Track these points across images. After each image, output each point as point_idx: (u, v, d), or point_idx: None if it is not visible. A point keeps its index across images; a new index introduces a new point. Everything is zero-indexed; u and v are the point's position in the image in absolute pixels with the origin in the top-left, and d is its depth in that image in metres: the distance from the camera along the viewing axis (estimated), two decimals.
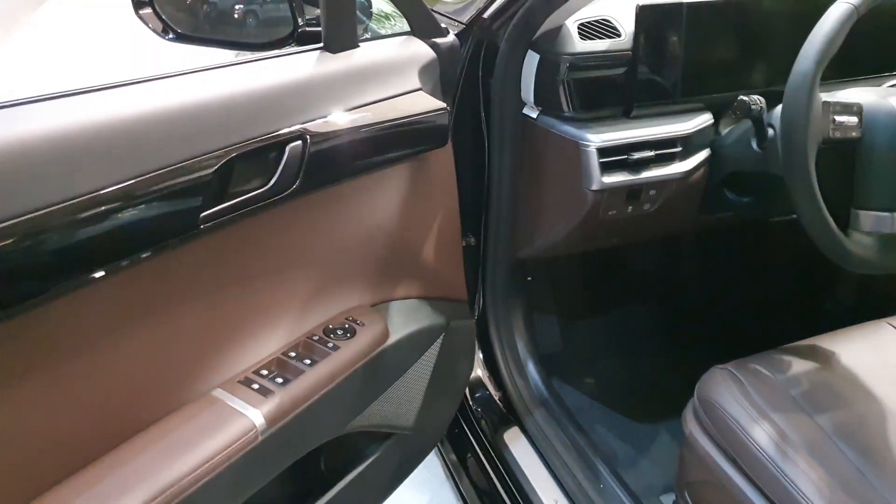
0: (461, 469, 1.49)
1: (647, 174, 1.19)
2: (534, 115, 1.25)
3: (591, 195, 1.19)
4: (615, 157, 1.17)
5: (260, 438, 0.81)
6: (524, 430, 1.41)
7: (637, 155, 1.17)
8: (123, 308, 0.76)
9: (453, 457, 1.50)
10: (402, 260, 1.12)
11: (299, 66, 0.90)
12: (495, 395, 1.49)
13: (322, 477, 1.05)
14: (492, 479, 1.40)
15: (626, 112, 1.21)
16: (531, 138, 1.28)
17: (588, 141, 1.17)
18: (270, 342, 0.93)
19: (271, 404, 0.83)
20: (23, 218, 0.62)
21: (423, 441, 1.23)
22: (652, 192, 1.21)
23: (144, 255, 0.73)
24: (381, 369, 1.02)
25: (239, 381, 0.86)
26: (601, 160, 1.17)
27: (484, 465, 1.43)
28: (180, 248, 0.77)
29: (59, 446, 0.73)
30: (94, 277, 0.69)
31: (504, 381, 1.45)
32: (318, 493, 1.02)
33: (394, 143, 0.99)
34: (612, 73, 1.19)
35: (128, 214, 0.70)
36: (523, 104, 1.27)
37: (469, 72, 1.26)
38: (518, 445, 1.39)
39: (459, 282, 1.27)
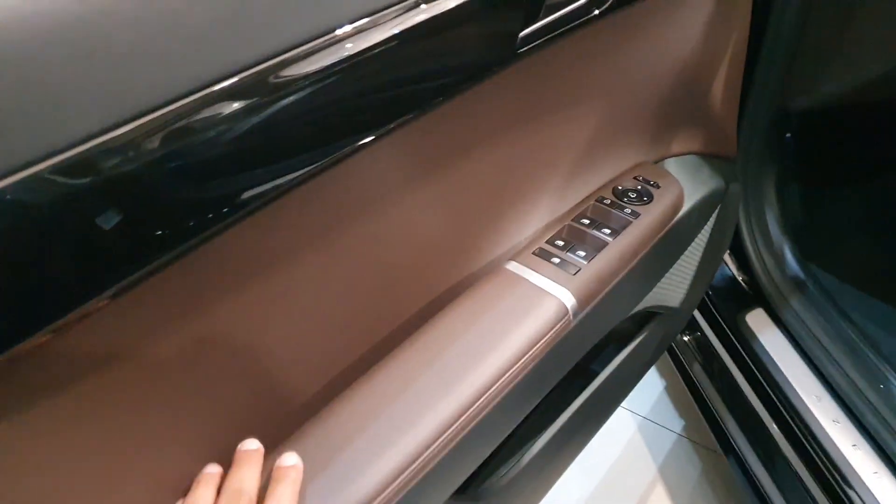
0: (691, 354, 1.32)
1: None
2: None
3: None
4: None
5: (572, 323, 0.65)
6: (774, 316, 1.21)
7: None
8: (415, 158, 0.59)
9: (683, 338, 1.33)
10: (684, 105, 0.89)
11: None
12: (737, 274, 1.28)
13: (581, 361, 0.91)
14: (731, 368, 1.22)
15: None
16: None
17: None
18: (551, 200, 0.75)
19: (581, 282, 0.66)
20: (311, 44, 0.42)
21: (681, 318, 1.06)
22: None
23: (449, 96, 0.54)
24: (675, 240, 0.83)
25: (534, 254, 0.69)
26: None
27: (719, 352, 1.26)
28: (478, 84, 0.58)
29: (353, 315, 0.60)
30: (392, 127, 0.51)
31: (750, 257, 1.23)
32: (582, 378, 0.88)
33: None
34: None
35: (440, 38, 0.49)
36: None
37: None
38: (767, 333, 1.19)
39: (733, 136, 1.02)
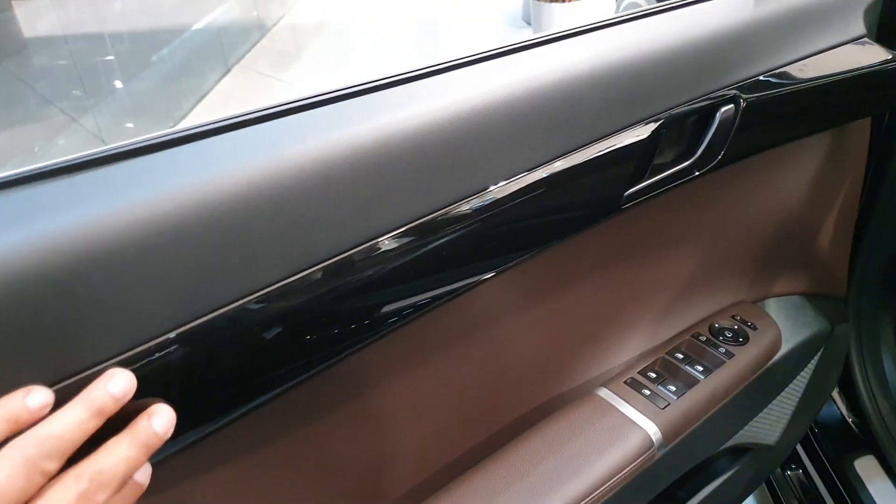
0: (791, 491, 1.27)
1: None
2: None
3: None
4: None
5: (657, 456, 0.69)
6: (885, 466, 1.15)
7: None
8: (525, 289, 0.67)
9: (784, 473, 1.28)
10: (790, 248, 0.92)
11: (729, 9, 0.72)
12: (847, 416, 1.23)
13: (668, 489, 0.92)
14: None
15: None
16: None
17: None
18: (647, 331, 0.80)
19: (669, 418, 0.70)
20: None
21: (777, 455, 1.04)
22: None
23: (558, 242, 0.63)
24: (769, 382, 0.85)
25: (626, 383, 0.74)
26: None
27: (823, 496, 1.20)
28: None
29: (452, 422, 0.67)
30: (511, 265, 0.60)
31: (862, 401, 1.19)
32: None
33: (831, 105, 0.78)
34: None
35: (555, 195, 0.58)
36: None
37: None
38: (878, 483, 1.13)
39: (843, 277, 1.02)
